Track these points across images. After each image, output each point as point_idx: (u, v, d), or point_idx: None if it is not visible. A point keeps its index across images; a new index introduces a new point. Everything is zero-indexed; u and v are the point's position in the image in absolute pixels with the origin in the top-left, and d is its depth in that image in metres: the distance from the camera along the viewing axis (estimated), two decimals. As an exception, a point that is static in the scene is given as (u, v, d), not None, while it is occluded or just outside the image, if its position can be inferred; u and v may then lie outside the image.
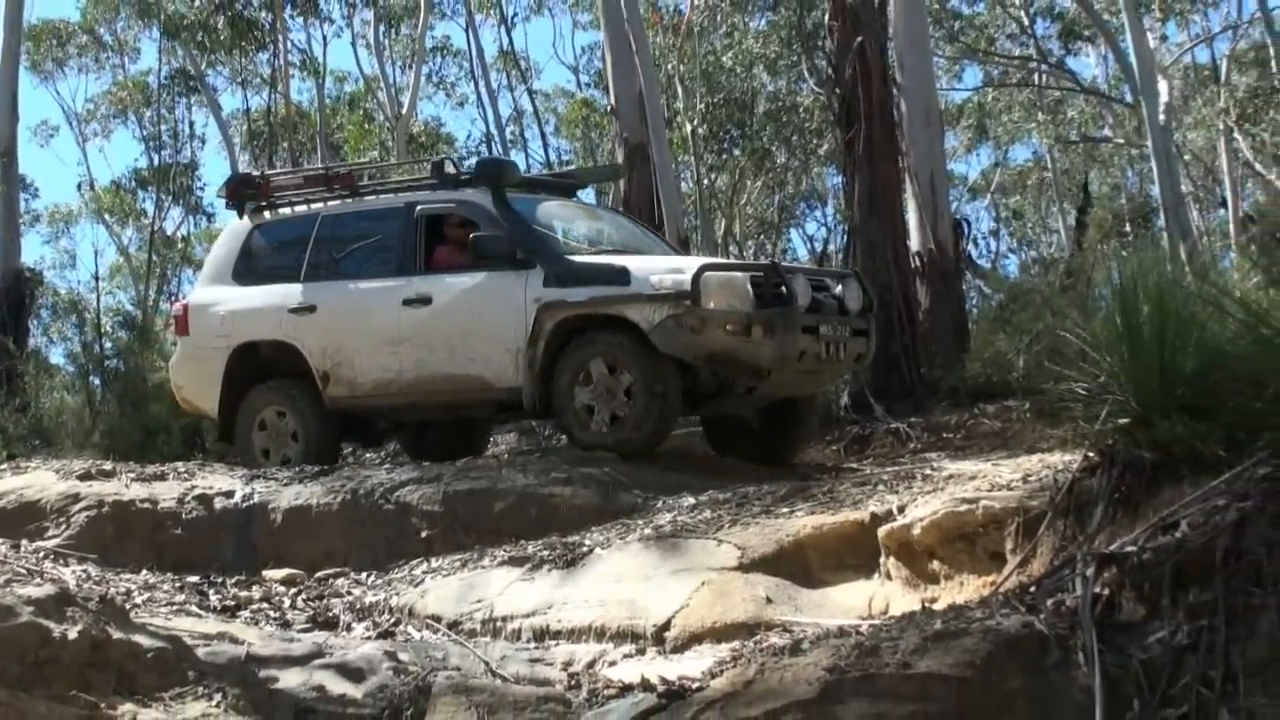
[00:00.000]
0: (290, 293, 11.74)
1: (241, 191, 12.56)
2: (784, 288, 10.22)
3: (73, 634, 5.64)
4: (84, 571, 8.20)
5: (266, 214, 12.38)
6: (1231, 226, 30.80)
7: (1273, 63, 29.99)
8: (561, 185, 13.14)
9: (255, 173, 13.99)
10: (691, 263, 10.67)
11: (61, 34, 40.17)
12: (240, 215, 12.50)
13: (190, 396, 12.54)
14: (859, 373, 13.46)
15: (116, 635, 5.81)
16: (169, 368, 13.24)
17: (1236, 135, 31.96)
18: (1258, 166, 32.74)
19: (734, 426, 11.38)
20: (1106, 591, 5.29)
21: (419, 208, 11.38)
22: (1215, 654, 4.87)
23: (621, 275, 10.31)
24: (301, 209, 12.20)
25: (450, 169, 12.04)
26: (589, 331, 10.34)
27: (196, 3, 33.39)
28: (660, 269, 10.32)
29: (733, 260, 11.18)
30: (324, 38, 35.82)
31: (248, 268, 12.20)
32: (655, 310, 9.98)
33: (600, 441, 10.21)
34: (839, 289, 10.89)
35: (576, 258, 10.80)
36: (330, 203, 12.06)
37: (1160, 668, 4.94)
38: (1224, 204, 34.07)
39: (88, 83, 43.28)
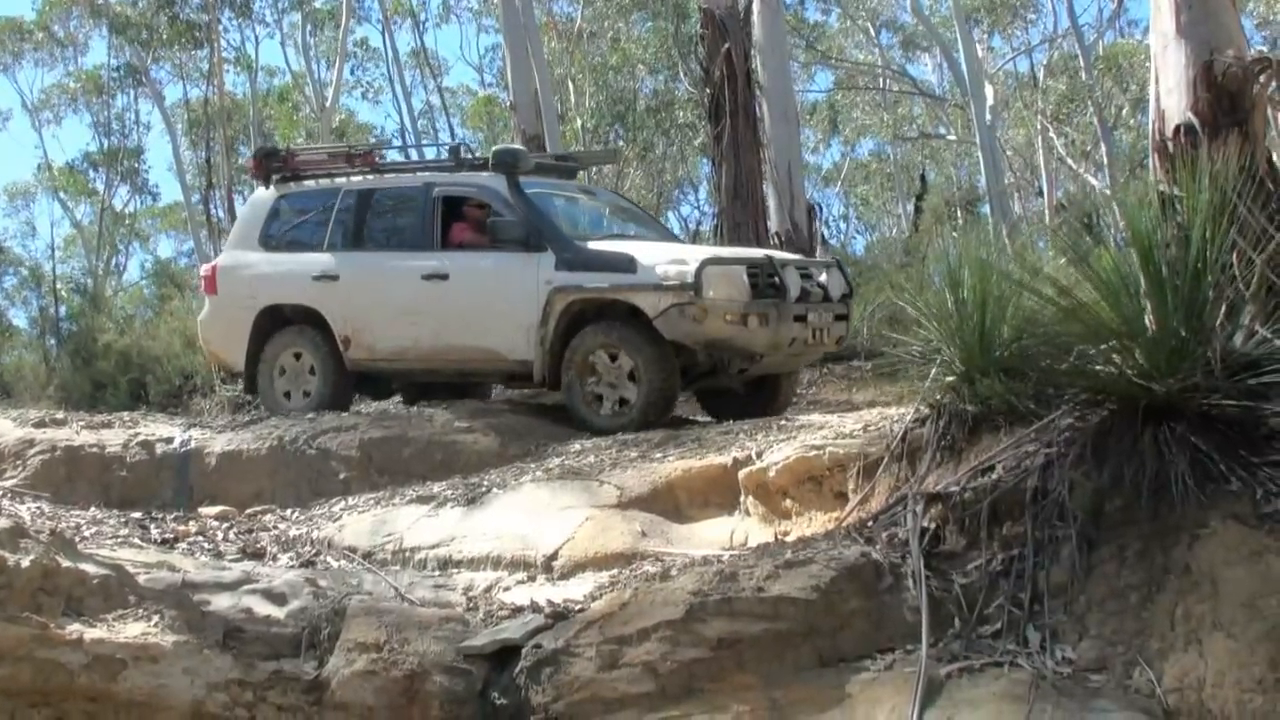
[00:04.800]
0: (314, 261, 11.23)
1: (268, 163, 11.99)
2: (777, 279, 9.94)
3: (26, 562, 5.55)
4: (38, 508, 8.04)
5: (291, 185, 11.84)
6: (1047, 213, 31.21)
7: (1081, 72, 30.38)
8: (565, 167, 12.67)
9: (281, 147, 13.48)
10: (691, 252, 10.34)
11: (18, 30, 39.19)
12: (266, 186, 11.96)
13: (218, 350, 12.07)
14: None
15: (65, 564, 5.73)
16: (198, 324, 12.61)
17: (1051, 133, 32.42)
18: (1069, 161, 33.22)
19: (724, 394, 10.98)
20: (933, 525, 5.39)
21: (437, 188, 10.95)
22: (1024, 579, 4.98)
23: (629, 263, 9.89)
24: (325, 182, 11.70)
25: (465, 154, 11.61)
26: (597, 315, 9.99)
27: (141, 3, 32.75)
28: (664, 258, 9.92)
29: (730, 252, 10.68)
30: (256, 38, 35.38)
31: (273, 235, 11.70)
32: (660, 299, 9.62)
33: (605, 422, 9.77)
34: (823, 277, 10.59)
35: (586, 244, 10.39)
36: (352, 178, 11.58)
37: (977, 590, 5.04)
38: (1041, 193, 34.49)
39: (42, 74, 42.33)
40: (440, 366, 10.94)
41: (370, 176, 11.61)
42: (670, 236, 12.99)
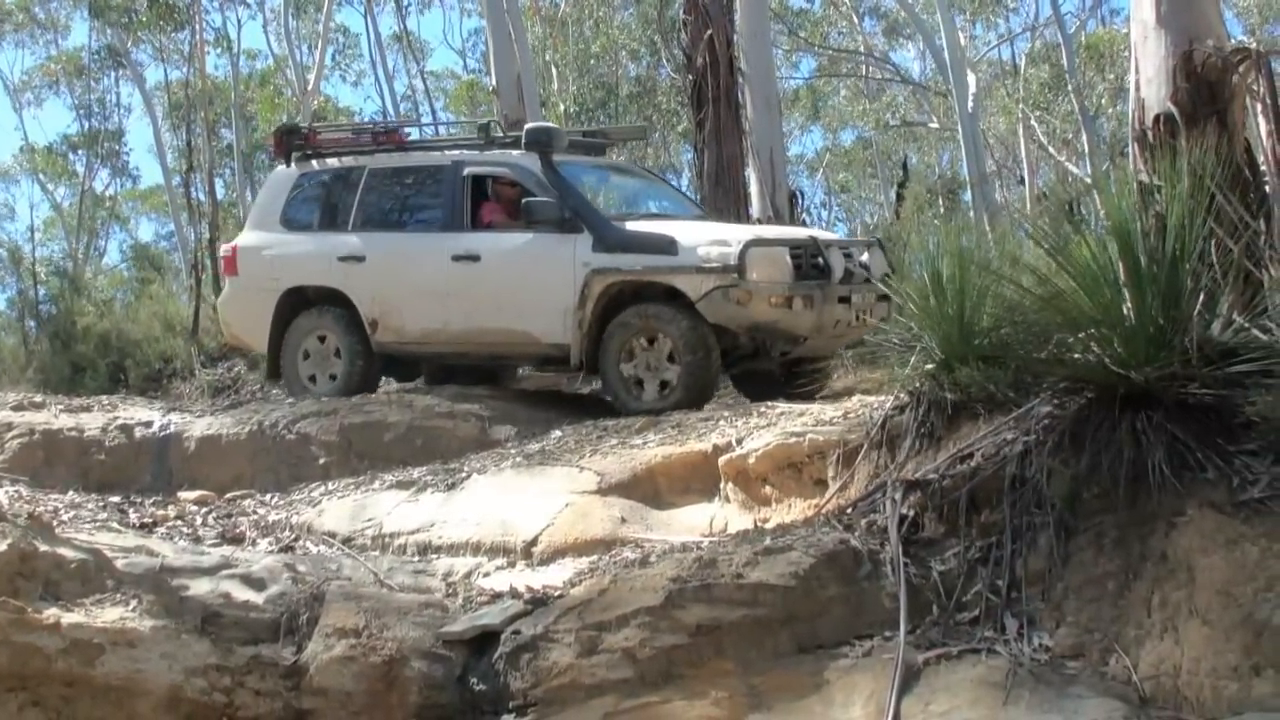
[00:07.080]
0: (339, 241, 10.99)
1: (289, 141, 11.74)
2: (821, 260, 9.82)
3: (3, 546, 5.54)
4: (15, 492, 8.03)
5: (314, 163, 11.57)
6: (1028, 200, 31.26)
7: (1063, 60, 30.43)
8: (593, 144, 12.42)
9: (303, 123, 13.23)
10: (733, 233, 10.16)
11: (-1, 11, 39.09)
12: (287, 164, 11.68)
13: (239, 333, 11.91)
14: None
15: (43, 548, 5.71)
16: (217, 305, 12.45)
17: (1033, 121, 32.47)
18: (1050, 149, 33.28)
19: (760, 375, 10.71)
20: (912, 512, 5.41)
21: (467, 168, 10.70)
22: (1002, 566, 5.01)
23: (669, 245, 9.71)
24: (349, 160, 11.43)
25: (497, 132, 11.38)
26: (637, 298, 9.81)
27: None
28: (705, 240, 9.76)
29: (774, 232, 10.38)
30: (239, 20, 35.18)
31: (295, 214, 11.44)
32: (703, 281, 9.47)
33: (645, 405, 9.53)
34: (865, 257, 10.40)
35: (624, 225, 10.16)
36: (377, 155, 11.35)
37: (956, 578, 5.06)
38: (1022, 181, 34.54)
39: (23, 56, 42.16)
40: (471, 349, 10.76)
41: (395, 155, 11.39)
42: (705, 213, 12.73)
